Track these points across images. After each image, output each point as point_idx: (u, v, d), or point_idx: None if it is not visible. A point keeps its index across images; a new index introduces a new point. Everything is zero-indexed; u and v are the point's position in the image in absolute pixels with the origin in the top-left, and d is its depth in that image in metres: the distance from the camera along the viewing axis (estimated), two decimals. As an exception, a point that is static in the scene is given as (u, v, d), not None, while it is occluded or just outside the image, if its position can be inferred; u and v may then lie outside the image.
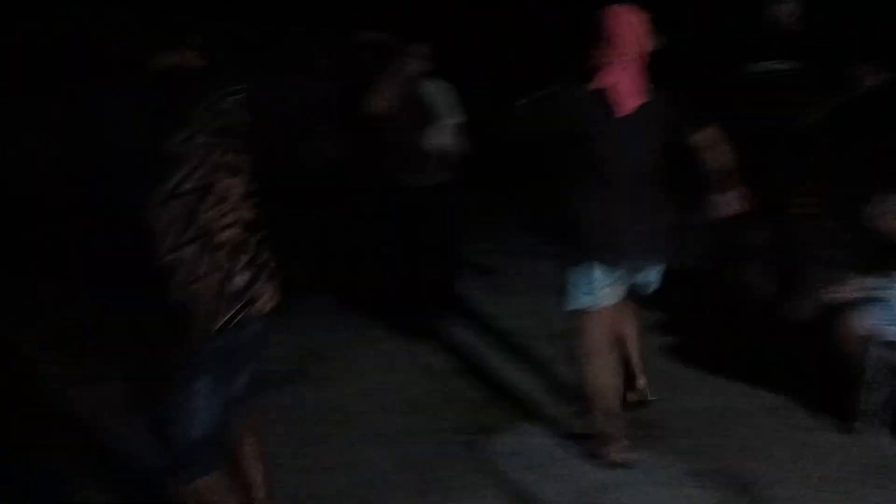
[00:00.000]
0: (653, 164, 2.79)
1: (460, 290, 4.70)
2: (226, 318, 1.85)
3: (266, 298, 1.94)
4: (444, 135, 4.17)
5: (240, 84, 2.00)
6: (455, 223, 4.38)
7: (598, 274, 2.75)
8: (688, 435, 3.07)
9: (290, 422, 3.23)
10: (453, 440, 3.06)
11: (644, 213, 2.76)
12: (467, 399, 3.46)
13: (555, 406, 3.34)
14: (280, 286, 2.02)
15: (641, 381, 3.25)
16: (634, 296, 2.98)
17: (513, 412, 3.31)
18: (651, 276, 2.89)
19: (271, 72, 4.38)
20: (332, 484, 2.77)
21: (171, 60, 1.98)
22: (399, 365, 3.84)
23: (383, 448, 3.01)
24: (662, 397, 3.33)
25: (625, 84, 2.70)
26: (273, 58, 5.31)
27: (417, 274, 4.30)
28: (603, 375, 2.85)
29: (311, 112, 4.33)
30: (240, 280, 1.87)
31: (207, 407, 1.91)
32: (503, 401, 3.43)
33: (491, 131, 3.10)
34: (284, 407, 3.38)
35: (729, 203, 2.90)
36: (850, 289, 3.12)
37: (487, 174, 5.40)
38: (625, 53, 2.67)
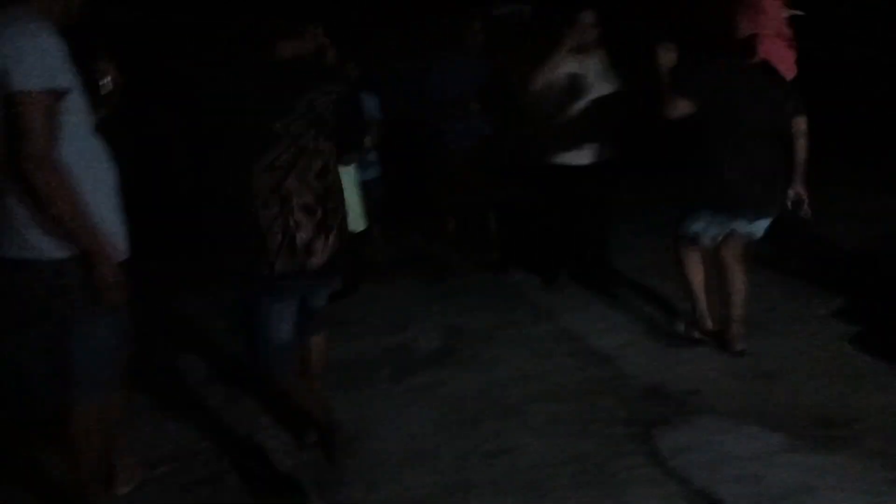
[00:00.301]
0: (779, 130, 3.20)
1: (611, 271, 4.48)
2: (287, 263, 2.29)
3: (321, 254, 2.34)
4: (599, 110, 3.93)
5: (337, 86, 2.40)
6: (609, 203, 4.14)
7: (715, 218, 3.30)
8: (883, 436, 2.72)
9: (441, 404, 3.13)
10: (618, 432, 2.83)
11: (766, 172, 3.21)
12: (626, 387, 3.20)
13: (728, 398, 3.04)
14: (341, 247, 2.41)
15: (734, 329, 3.44)
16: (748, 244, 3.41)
17: (680, 403, 3.03)
18: (760, 228, 3.35)
19: (427, 51, 4.41)
20: (491, 472, 2.63)
21: (290, 50, 2.41)
22: (546, 348, 3.64)
23: (543, 437, 2.82)
24: (850, 391, 2.99)
25: (772, 54, 3.09)
26: (427, 36, 5.23)
27: (565, 253, 4.11)
28: (698, 290, 3.51)
29: (466, 90, 4.25)
30: (304, 235, 2.30)
31: (279, 327, 2.40)
32: (668, 390, 3.15)
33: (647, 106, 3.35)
34: (432, 387, 3.30)
35: (794, 202, 3.30)
36: None
37: (644, 153, 5.07)
38: (769, 26, 3.05)
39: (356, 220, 4.00)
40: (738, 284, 3.40)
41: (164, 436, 2.98)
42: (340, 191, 2.45)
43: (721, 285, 3.45)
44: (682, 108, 3.13)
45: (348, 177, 3.91)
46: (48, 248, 1.95)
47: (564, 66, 3.89)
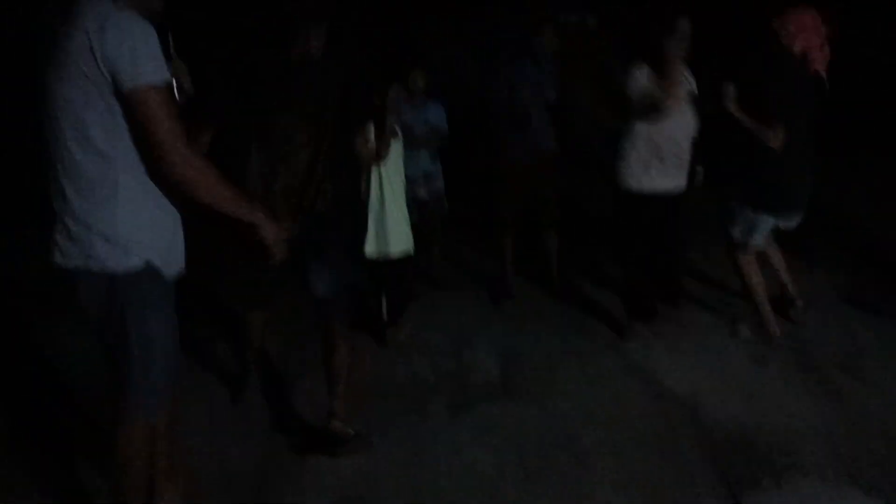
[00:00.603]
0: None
1: (689, 296, 4.18)
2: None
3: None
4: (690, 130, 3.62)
5: (340, 83, 2.73)
6: (685, 223, 3.81)
7: (766, 221, 3.54)
8: None
9: (501, 444, 2.87)
10: (701, 493, 2.53)
11: (808, 171, 3.50)
12: (707, 436, 2.89)
13: (823, 453, 2.72)
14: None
15: (799, 303, 3.87)
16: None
17: (770, 460, 2.71)
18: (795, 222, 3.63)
19: (494, 57, 4.21)
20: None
21: (299, 51, 2.67)
22: (615, 385, 3.35)
23: (619, 493, 2.54)
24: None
25: (818, 64, 3.39)
26: (494, 42, 4.99)
27: (640, 277, 3.79)
28: (758, 285, 3.67)
29: (532, 100, 3.97)
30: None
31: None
32: (755, 441, 2.82)
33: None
34: (490, 423, 3.03)
35: None
36: None
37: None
38: (818, 42, 3.38)
39: (402, 241, 3.73)
40: (781, 261, 3.84)
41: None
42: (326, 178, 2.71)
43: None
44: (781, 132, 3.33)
45: (397, 194, 3.67)
46: (113, 258, 1.88)
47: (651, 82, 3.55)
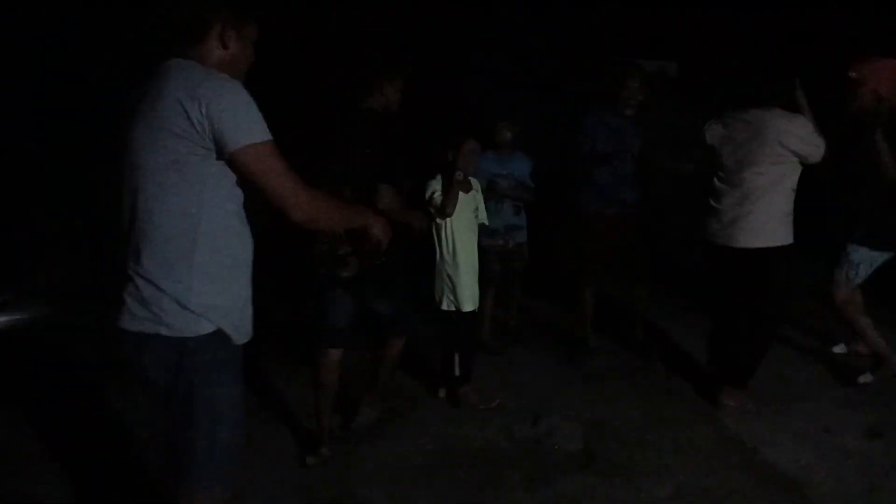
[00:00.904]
0: None
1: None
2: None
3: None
4: None
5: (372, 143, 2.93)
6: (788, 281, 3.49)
7: (873, 256, 3.60)
8: None
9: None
10: None
11: None
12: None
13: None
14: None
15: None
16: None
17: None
18: None
19: (578, 107, 4.08)
20: None
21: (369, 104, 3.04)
22: (712, 461, 3.02)
23: None
24: None
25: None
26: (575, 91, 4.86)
27: (733, 340, 3.48)
28: (868, 325, 3.70)
29: (616, 150, 3.79)
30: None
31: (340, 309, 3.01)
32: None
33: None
34: (574, 498, 2.78)
35: None
36: None
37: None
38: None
39: (472, 297, 3.53)
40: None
41: None
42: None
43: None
44: None
45: (467, 250, 3.50)
46: (184, 323, 1.82)
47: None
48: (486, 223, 3.69)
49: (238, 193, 1.89)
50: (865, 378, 3.71)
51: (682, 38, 6.55)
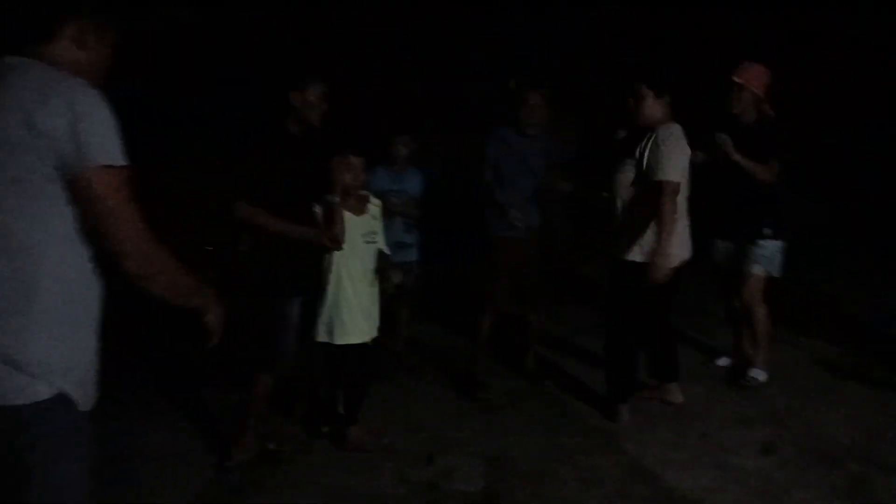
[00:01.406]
0: None
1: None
2: None
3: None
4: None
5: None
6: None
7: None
8: None
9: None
10: None
11: None
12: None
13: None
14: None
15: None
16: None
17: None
18: None
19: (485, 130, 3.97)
20: None
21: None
22: (618, 491, 2.89)
23: None
24: None
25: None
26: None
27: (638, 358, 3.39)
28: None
29: (519, 172, 3.63)
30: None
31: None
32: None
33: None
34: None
35: None
36: None
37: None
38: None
39: (359, 330, 3.19)
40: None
41: None
42: None
43: None
44: None
45: (355, 279, 3.18)
46: (16, 388, 1.48)
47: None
48: (387, 252, 3.28)
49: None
50: (761, 377, 3.82)
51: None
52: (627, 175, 3.33)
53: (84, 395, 1.59)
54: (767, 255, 3.71)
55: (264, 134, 3.02)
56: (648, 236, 3.22)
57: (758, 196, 3.61)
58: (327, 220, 3.01)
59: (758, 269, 3.71)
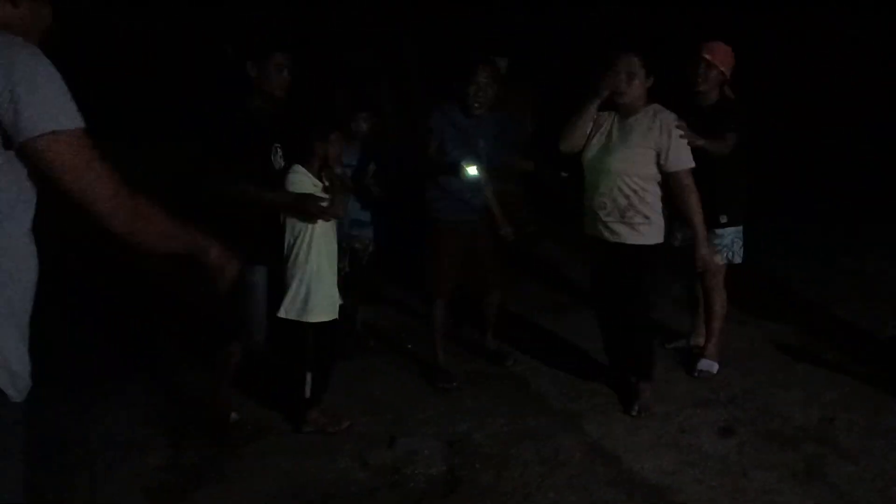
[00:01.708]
0: None
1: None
2: None
3: None
4: None
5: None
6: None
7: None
8: None
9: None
10: None
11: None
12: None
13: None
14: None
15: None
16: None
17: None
18: None
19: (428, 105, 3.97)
20: None
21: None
22: (579, 475, 2.87)
23: None
24: None
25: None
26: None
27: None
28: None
29: (466, 152, 3.58)
30: None
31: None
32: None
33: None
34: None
35: None
36: None
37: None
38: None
39: (323, 307, 3.12)
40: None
41: None
42: None
43: None
44: None
45: (325, 251, 3.11)
46: None
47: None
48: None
49: (34, 199, 1.45)
50: (713, 369, 3.76)
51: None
52: (591, 154, 3.29)
53: (15, 383, 1.46)
54: (727, 242, 3.67)
55: (223, 107, 2.97)
56: (658, 220, 3.29)
57: (713, 184, 3.46)
58: (332, 191, 3.03)
59: (719, 259, 3.65)
